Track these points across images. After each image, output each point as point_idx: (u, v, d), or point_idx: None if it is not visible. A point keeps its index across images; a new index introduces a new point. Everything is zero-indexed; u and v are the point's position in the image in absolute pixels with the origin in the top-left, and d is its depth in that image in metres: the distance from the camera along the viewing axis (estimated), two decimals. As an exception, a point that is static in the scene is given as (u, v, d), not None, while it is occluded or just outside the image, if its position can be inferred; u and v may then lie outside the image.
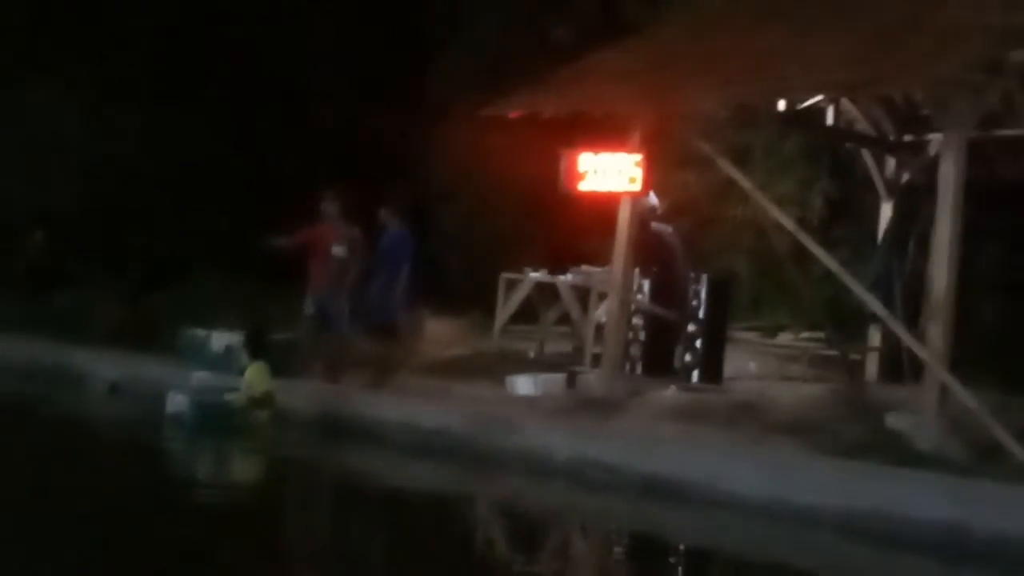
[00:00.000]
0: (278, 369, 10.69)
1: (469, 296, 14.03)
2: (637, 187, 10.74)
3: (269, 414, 10.35)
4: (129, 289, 14.99)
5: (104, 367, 12.55)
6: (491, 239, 15.69)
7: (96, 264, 15.90)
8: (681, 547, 7.96)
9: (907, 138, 12.55)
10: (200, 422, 10.22)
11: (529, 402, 10.93)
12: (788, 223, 10.84)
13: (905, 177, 12.62)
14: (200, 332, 11.93)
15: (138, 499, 7.88)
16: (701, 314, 11.33)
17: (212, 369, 11.18)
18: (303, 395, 10.78)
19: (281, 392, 10.50)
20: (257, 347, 10.70)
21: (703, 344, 11.28)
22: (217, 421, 10.21)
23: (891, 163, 12.80)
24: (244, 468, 9.89)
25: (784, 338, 13.78)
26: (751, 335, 13.50)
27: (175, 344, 12.15)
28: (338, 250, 11.59)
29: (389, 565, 6.89)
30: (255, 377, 10.42)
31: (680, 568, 7.57)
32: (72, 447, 9.65)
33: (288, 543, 7.43)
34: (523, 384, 11.38)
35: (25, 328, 14.10)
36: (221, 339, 11.67)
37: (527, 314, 13.59)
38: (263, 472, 9.77)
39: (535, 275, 13.37)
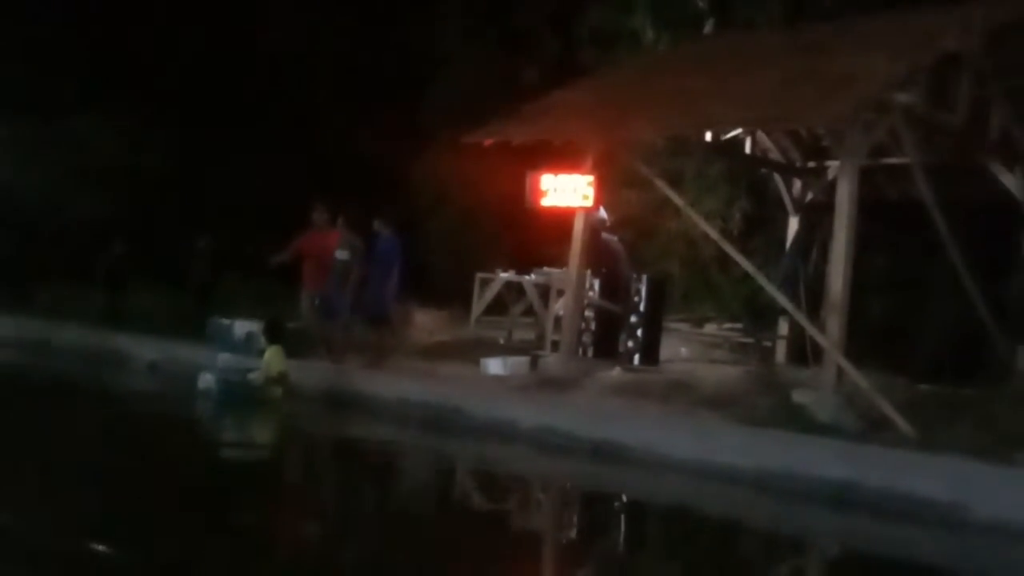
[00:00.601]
0: (291, 352, 10.63)
1: (450, 292, 14.01)
2: (589, 203, 10.75)
3: (284, 390, 10.31)
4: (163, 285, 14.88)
5: (144, 350, 12.46)
6: (469, 245, 15.72)
7: (135, 265, 15.78)
8: (624, 499, 8.00)
9: (810, 164, 12.66)
10: (225, 396, 10.17)
11: (499, 380, 10.91)
12: (713, 234, 10.90)
13: (809, 196, 12.72)
14: (225, 321, 11.87)
15: (174, 457, 7.92)
16: (641, 307, 11.33)
17: (235, 352, 11.12)
18: (312, 374, 10.75)
19: (294, 372, 10.47)
20: (274, 334, 10.64)
21: (643, 332, 11.29)
22: (240, 396, 10.16)
23: (797, 185, 12.90)
24: (262, 434, 9.86)
25: (709, 328, 13.84)
26: (682, 325, 13.55)
27: (204, 331, 12.07)
28: (341, 254, 11.56)
29: (379, 508, 6.95)
30: (272, 359, 10.37)
31: (623, 516, 7.61)
32: (118, 415, 9.59)
33: (296, 491, 7.52)
34: (494, 365, 11.35)
35: (82, 318, 13.95)
36: (243, 327, 11.61)
37: (498, 307, 13.60)
38: (278, 437, 9.75)
39: (505, 275, 13.38)
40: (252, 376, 10.34)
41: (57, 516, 5.53)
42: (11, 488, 5.99)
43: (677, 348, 12.49)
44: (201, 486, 6.90)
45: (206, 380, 10.30)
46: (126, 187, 17.27)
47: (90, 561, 4.87)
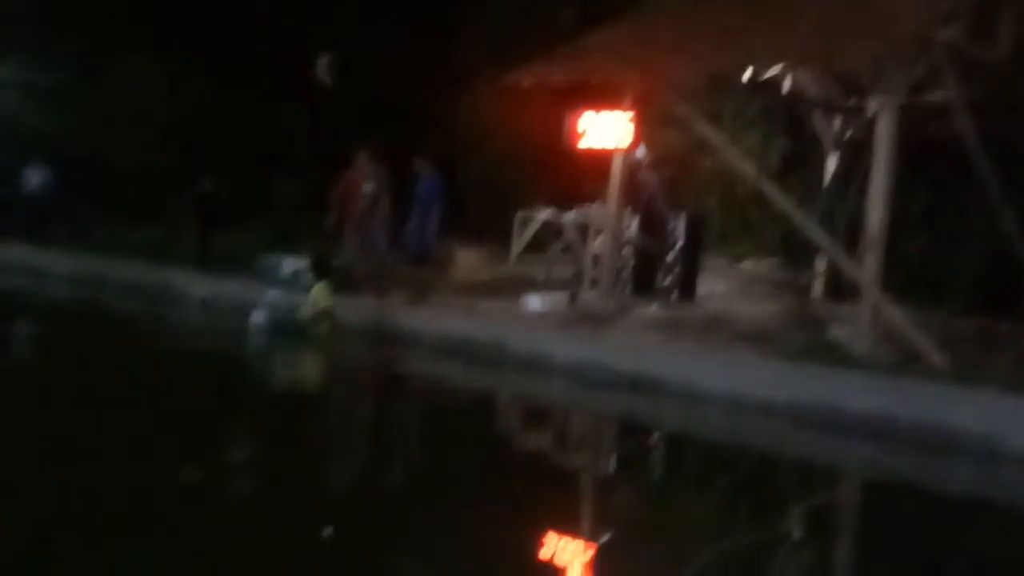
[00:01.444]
0: (337, 289, 10.76)
1: (490, 231, 14.05)
2: (627, 142, 10.70)
3: (330, 325, 10.43)
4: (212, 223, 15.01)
5: (196, 287, 12.68)
6: (508, 184, 15.65)
7: (181, 205, 15.94)
8: (661, 431, 8.08)
9: (850, 102, 12.45)
10: (275, 331, 10.33)
11: (538, 316, 10.99)
12: (751, 172, 10.81)
13: (848, 134, 12.54)
14: (273, 258, 12.01)
15: (228, 387, 8.15)
16: (679, 245, 11.33)
17: (283, 288, 11.26)
18: (357, 310, 10.87)
19: (339, 308, 10.59)
20: (320, 271, 10.74)
21: (680, 269, 11.30)
22: (288, 331, 10.31)
23: (836, 122, 12.71)
24: (311, 367, 10.02)
25: (746, 265, 13.79)
26: (720, 262, 13.52)
27: (253, 268, 12.26)
28: (367, 187, 11.67)
29: (421, 439, 7.11)
30: (319, 295, 10.48)
31: (660, 447, 7.70)
32: (173, 349, 9.81)
33: (343, 417, 7.71)
34: (533, 302, 11.42)
35: (136, 255, 14.10)
36: (290, 264, 11.73)
37: (537, 245, 13.63)
38: (325, 368, 9.91)
39: (544, 214, 13.38)
40: (299, 312, 10.48)
41: (125, 447, 5.70)
42: (71, 419, 6.18)
43: (714, 285, 12.46)
44: (248, 414, 7.08)
45: (257, 316, 10.46)
46: (173, 129, 17.39)
47: (155, 489, 5.05)
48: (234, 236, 14.24)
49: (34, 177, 16.69)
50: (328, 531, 4.62)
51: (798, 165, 13.90)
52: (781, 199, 10.27)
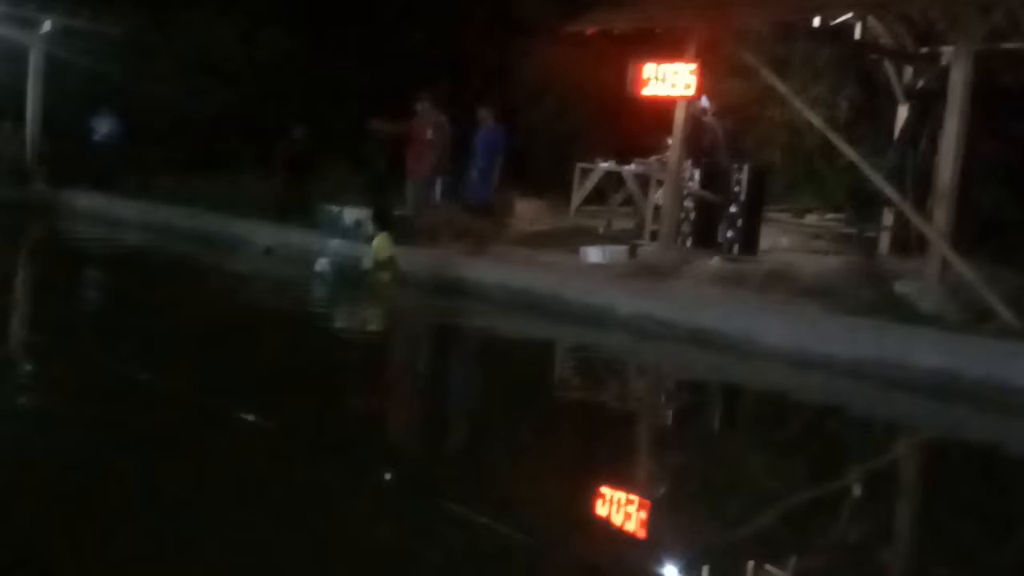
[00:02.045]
0: (398, 238, 10.82)
1: (551, 182, 14.00)
2: (691, 92, 10.53)
3: (391, 274, 10.52)
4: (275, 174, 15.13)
5: (259, 235, 12.86)
6: (569, 135, 15.56)
7: (245, 155, 16.09)
8: (720, 385, 8.05)
9: (923, 50, 12.06)
10: (337, 279, 10.46)
11: (598, 268, 10.95)
12: (818, 122, 10.57)
13: (920, 84, 12.16)
14: (335, 208, 12.11)
15: (295, 329, 8.37)
16: (742, 197, 11.18)
17: (345, 238, 11.37)
18: (418, 260, 10.93)
19: (400, 257, 10.66)
20: (382, 220, 10.81)
21: (743, 222, 11.16)
22: (351, 279, 10.44)
23: (908, 71, 12.34)
24: (372, 313, 10.14)
25: (811, 218, 13.56)
26: (783, 215, 13.31)
27: (315, 218, 12.34)
28: (428, 133, 11.68)
29: (483, 384, 7.17)
30: (380, 245, 10.55)
31: (719, 400, 7.67)
32: (240, 296, 10.01)
33: (404, 365, 7.85)
34: (593, 254, 11.38)
35: (202, 204, 14.31)
36: (352, 214, 11.85)
37: (597, 197, 13.56)
38: (386, 316, 10.03)
39: (605, 165, 13.30)
40: (362, 261, 10.57)
41: (196, 386, 5.86)
42: (148, 360, 6.36)
43: (777, 238, 12.30)
44: (315, 360, 7.20)
45: (321, 263, 10.59)
46: (242, 79, 17.51)
47: (225, 423, 5.18)
48: (306, 186, 14.33)
49: (102, 126, 16.97)
50: (391, 475, 4.72)
51: (867, 116, 13.57)
52: (848, 150, 10.03)
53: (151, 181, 16.35)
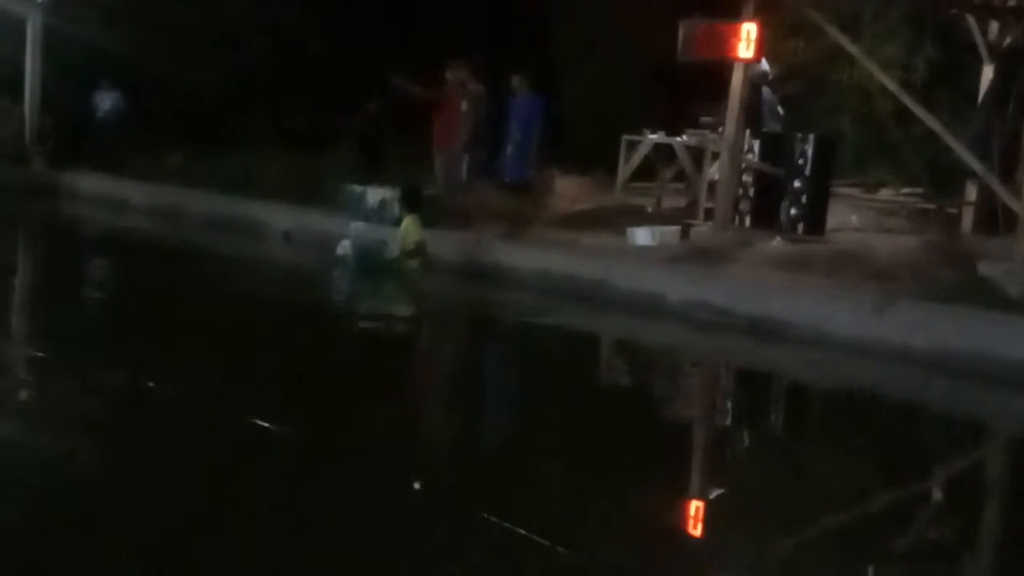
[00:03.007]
0: (427, 221, 10.86)
1: (594, 156, 13.95)
2: (750, 54, 10.43)
3: (421, 261, 10.57)
4: (292, 152, 15.21)
5: (277, 218, 12.97)
6: (615, 103, 15.47)
7: (263, 131, 16.19)
8: (783, 379, 8.01)
9: (1011, 3, 11.86)
10: (360, 267, 10.53)
11: (647, 251, 10.89)
12: (892, 86, 10.46)
13: (1007, 41, 11.97)
14: (358, 188, 12.18)
15: (315, 323, 8.47)
16: (807, 171, 11.06)
17: (368, 220, 11.43)
18: (449, 244, 10.99)
19: (431, 242, 10.70)
20: (411, 202, 10.84)
21: (807, 199, 11.01)
22: (375, 266, 10.50)
23: (994, 27, 12.14)
24: (401, 305, 10.20)
25: (884, 193, 13.39)
26: (853, 190, 13.15)
27: (336, 198, 12.43)
28: (464, 105, 11.69)
29: (524, 385, 7.19)
30: (409, 229, 10.60)
31: (785, 397, 7.65)
32: (256, 285, 10.12)
33: (436, 362, 7.91)
34: (642, 235, 11.30)
35: (214, 185, 14.42)
36: (376, 194, 11.91)
37: (646, 172, 13.49)
38: (418, 307, 10.09)
39: (654, 136, 13.21)
40: (388, 246, 10.64)
41: (208, 393, 5.93)
42: (155, 364, 6.44)
43: (846, 216, 12.16)
44: (335, 354, 7.29)
45: (344, 247, 10.69)
46: (255, 50, 17.56)
47: (242, 429, 5.27)
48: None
49: (106, 102, 17.10)
50: (428, 490, 4.73)
51: (948, 78, 13.39)
52: (926, 117, 9.92)
53: (159, 161, 16.47)
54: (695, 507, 4.86)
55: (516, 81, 11.80)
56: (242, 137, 16.04)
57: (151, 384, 5.88)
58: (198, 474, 4.64)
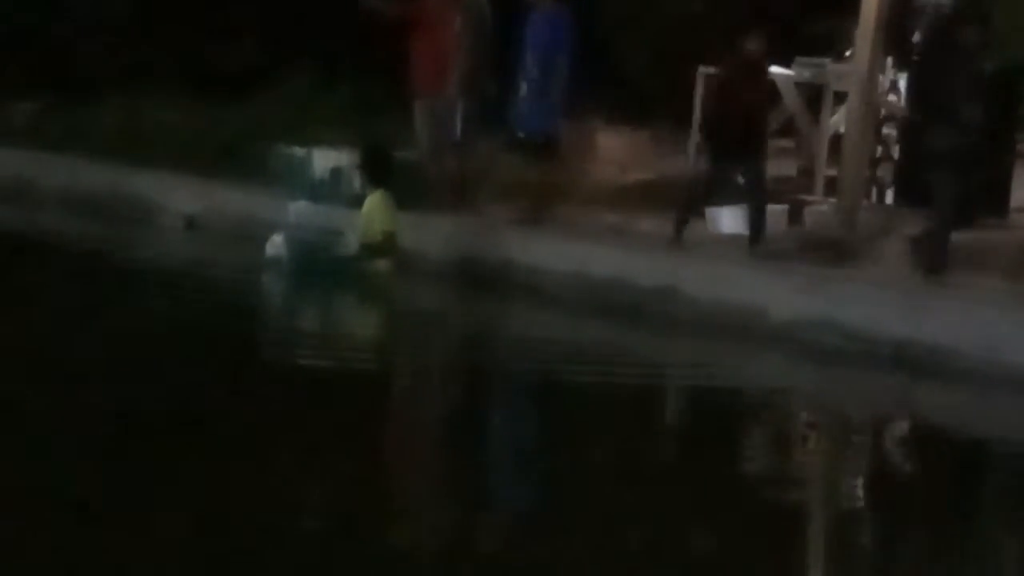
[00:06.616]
0: (402, 200, 10.80)
1: (654, 99, 13.92)
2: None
3: (391, 260, 10.55)
4: (203, 100, 15.19)
5: (178, 197, 12.92)
6: (683, 18, 15.41)
7: (151, 69, 16.19)
8: (955, 437, 7.94)
9: None
10: (300, 269, 10.46)
11: (737, 243, 10.91)
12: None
13: None
14: (297, 151, 12.13)
15: (228, 363, 8.19)
16: (978, 122, 10.99)
17: (314, 199, 11.37)
18: (436, 235, 10.98)
19: (407, 231, 10.66)
20: (377, 171, 10.82)
21: (979, 168, 10.97)
22: (323, 268, 10.45)
23: None
24: (359, 329, 10.17)
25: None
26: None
27: (265, 167, 12.40)
28: (456, 21, 11.77)
29: (557, 476, 6.88)
30: (375, 212, 10.59)
31: (962, 464, 7.54)
32: (145, 303, 9.99)
33: (413, 425, 7.68)
34: (729, 219, 11.34)
35: (82, 148, 14.43)
36: (325, 159, 11.85)
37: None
38: (383, 335, 10.07)
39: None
40: (343, 238, 10.60)
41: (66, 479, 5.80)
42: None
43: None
44: (257, 416, 7.06)
45: (276, 243, 10.60)
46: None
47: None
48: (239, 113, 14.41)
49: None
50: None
51: None
52: None
53: (6, 113, 16.52)
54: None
55: (533, -14, 11.77)
56: (126, 78, 16.04)
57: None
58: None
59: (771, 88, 12.88)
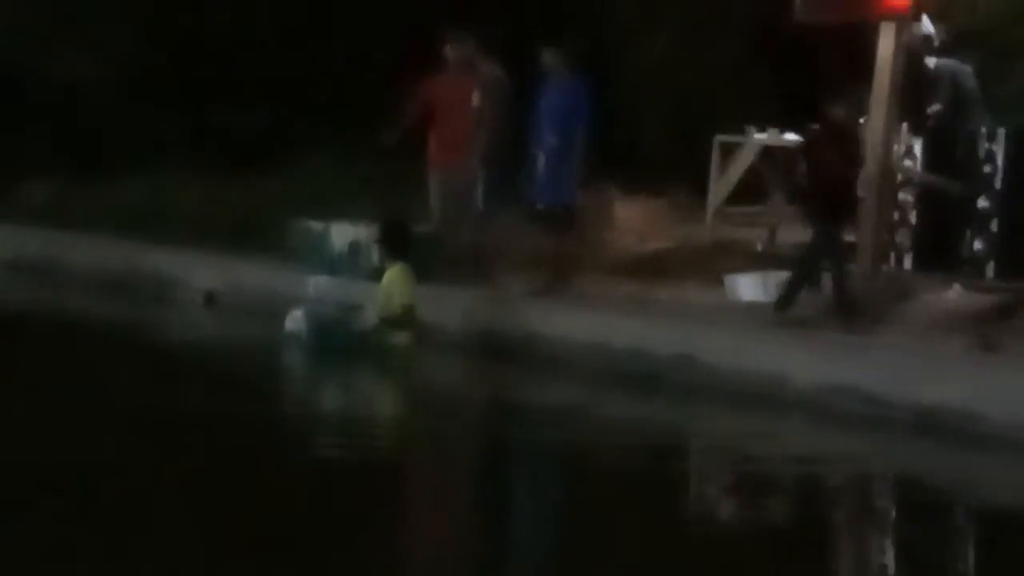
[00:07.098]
0: (421, 273, 10.83)
1: (671, 167, 13.93)
2: (905, 9, 10.44)
3: (411, 334, 10.55)
4: (221, 175, 15.25)
5: (198, 274, 12.96)
6: (700, 89, 15.47)
7: (179, 144, 16.27)
8: (989, 511, 7.75)
9: None
10: (320, 343, 10.46)
11: (757, 311, 10.92)
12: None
13: None
14: (316, 225, 12.17)
15: (248, 450, 8.09)
16: (998, 183, 11.00)
17: (333, 273, 11.40)
18: (455, 307, 10.97)
19: (426, 303, 10.67)
20: (396, 244, 10.84)
21: (1001, 225, 10.96)
22: (342, 343, 10.44)
23: None
24: (382, 408, 10.14)
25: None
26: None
27: (283, 241, 12.41)
28: (475, 97, 11.85)
29: (598, 546, 6.82)
30: (394, 285, 10.60)
31: (995, 542, 7.32)
32: (165, 387, 9.90)
33: (439, 512, 7.52)
34: (748, 286, 11.39)
35: (99, 226, 14.46)
36: (344, 233, 11.89)
37: (751, 189, 13.44)
38: (405, 413, 9.99)
39: (761, 136, 13.17)
40: (361, 313, 10.62)
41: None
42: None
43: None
44: (275, 508, 6.95)
45: (295, 318, 10.62)
46: (166, 34, 17.67)
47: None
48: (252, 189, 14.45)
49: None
50: None
51: None
52: None
53: (19, 191, 16.60)
54: None
55: (549, 57, 11.80)
56: (144, 155, 16.13)
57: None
58: None
59: (785, 155, 12.94)
